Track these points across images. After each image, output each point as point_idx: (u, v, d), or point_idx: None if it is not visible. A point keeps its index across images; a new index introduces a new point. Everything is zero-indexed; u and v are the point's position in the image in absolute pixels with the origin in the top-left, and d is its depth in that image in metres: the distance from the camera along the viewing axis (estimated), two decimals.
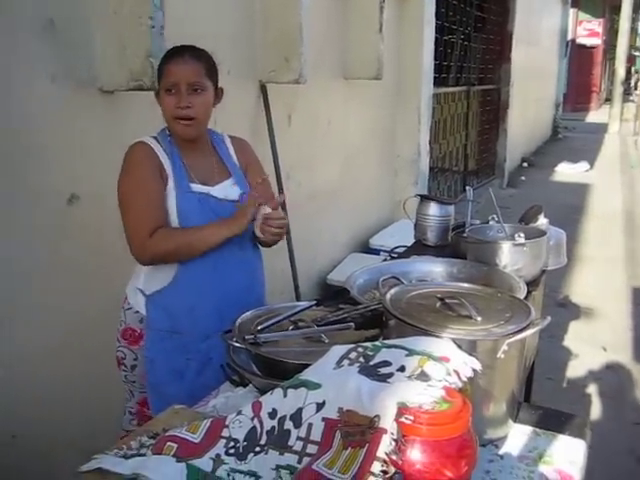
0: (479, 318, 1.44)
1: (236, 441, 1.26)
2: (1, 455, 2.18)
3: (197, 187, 2.00)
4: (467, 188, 2.70)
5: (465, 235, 2.36)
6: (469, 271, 2.14)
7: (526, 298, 2.08)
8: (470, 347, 1.36)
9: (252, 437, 1.26)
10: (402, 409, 1.09)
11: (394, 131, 5.69)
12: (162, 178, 1.97)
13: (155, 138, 2.03)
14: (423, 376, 1.19)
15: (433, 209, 2.71)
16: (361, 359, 1.29)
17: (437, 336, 1.36)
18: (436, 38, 6.02)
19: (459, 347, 1.33)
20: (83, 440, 1.99)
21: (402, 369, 1.22)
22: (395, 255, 2.57)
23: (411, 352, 1.27)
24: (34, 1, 2.19)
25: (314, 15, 3.76)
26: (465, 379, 1.23)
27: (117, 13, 2.25)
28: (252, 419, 1.27)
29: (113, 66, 2.34)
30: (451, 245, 2.54)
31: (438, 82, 6.51)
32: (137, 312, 2.07)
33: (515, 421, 1.54)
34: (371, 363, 1.27)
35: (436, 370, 1.21)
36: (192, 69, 1.94)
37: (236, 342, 1.59)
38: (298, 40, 3.38)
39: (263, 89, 3.61)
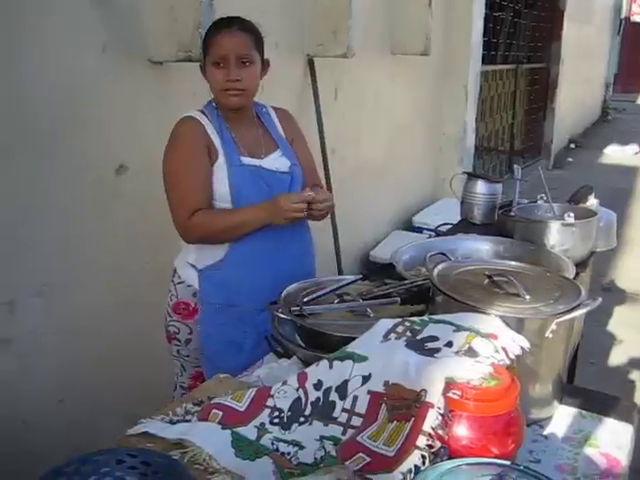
0: (527, 297, 1.42)
1: (280, 411, 1.27)
2: (49, 418, 2.24)
3: (247, 160, 1.99)
4: (515, 166, 2.65)
5: (512, 214, 2.32)
6: (515, 250, 2.11)
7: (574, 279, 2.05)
8: (518, 325, 1.34)
9: (297, 407, 1.27)
10: (450, 384, 1.09)
11: (440, 108, 5.61)
12: (210, 155, 1.96)
13: (203, 112, 2.02)
14: (471, 352, 1.18)
15: (480, 187, 2.67)
16: (408, 333, 1.28)
17: (485, 313, 1.34)
18: (485, 14, 5.89)
19: (507, 325, 1.31)
20: (125, 408, 2.02)
21: (449, 344, 1.22)
22: (440, 232, 2.54)
23: (459, 328, 1.26)
24: None
25: None
26: (513, 357, 1.22)
27: None
28: (297, 390, 1.28)
29: (163, 37, 2.35)
30: (497, 224, 2.51)
31: (486, 59, 6.38)
32: (189, 286, 2.06)
33: (560, 403, 1.51)
34: (418, 337, 1.26)
35: (484, 347, 1.20)
36: (240, 41, 1.92)
37: (282, 313, 1.60)
38: (347, 13, 3.34)
39: (310, 63, 3.58)
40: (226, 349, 2.02)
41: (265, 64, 2.05)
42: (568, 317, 1.37)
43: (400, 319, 1.33)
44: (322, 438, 1.21)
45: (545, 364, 1.44)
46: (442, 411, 1.07)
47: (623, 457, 1.35)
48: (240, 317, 2.02)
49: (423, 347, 1.22)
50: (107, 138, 2.36)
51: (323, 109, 3.67)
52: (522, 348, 1.25)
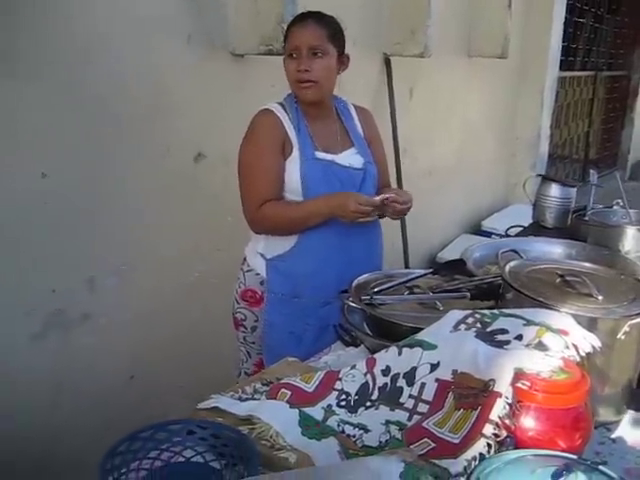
0: (600, 297, 1.40)
1: (348, 394, 1.30)
2: (120, 393, 2.33)
3: (321, 155, 2.02)
4: (591, 171, 2.62)
5: (586, 218, 2.29)
6: (589, 254, 2.06)
7: None
8: (590, 325, 1.32)
9: (364, 392, 1.29)
10: (519, 375, 1.09)
11: (515, 112, 5.54)
12: (284, 148, 2.00)
13: (282, 105, 2.06)
14: (541, 346, 1.18)
15: (555, 190, 2.64)
16: (478, 325, 1.29)
17: (556, 310, 1.34)
18: (565, 19, 5.78)
19: (578, 323, 1.30)
20: (191, 389, 2.08)
21: (519, 338, 1.22)
22: (510, 235, 2.52)
23: (529, 322, 1.26)
24: None
25: None
26: (583, 354, 1.21)
27: None
28: (365, 374, 1.31)
29: (245, 30, 2.42)
30: (570, 228, 2.48)
31: (564, 65, 6.26)
32: (258, 274, 2.10)
33: (630, 408, 1.49)
34: (488, 330, 1.27)
35: (555, 342, 1.20)
36: (313, 33, 1.95)
37: (352, 302, 1.62)
38: (425, 13, 3.35)
39: (387, 61, 3.60)
40: (287, 339, 2.06)
41: (344, 58, 2.06)
42: None
43: (471, 311, 1.34)
44: (388, 422, 1.23)
45: (616, 367, 1.41)
46: (510, 401, 1.07)
47: None
48: (303, 309, 2.06)
49: (493, 339, 1.22)
50: (187, 126, 2.44)
51: (397, 108, 3.68)
52: (593, 346, 1.24)
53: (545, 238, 2.28)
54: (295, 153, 2.00)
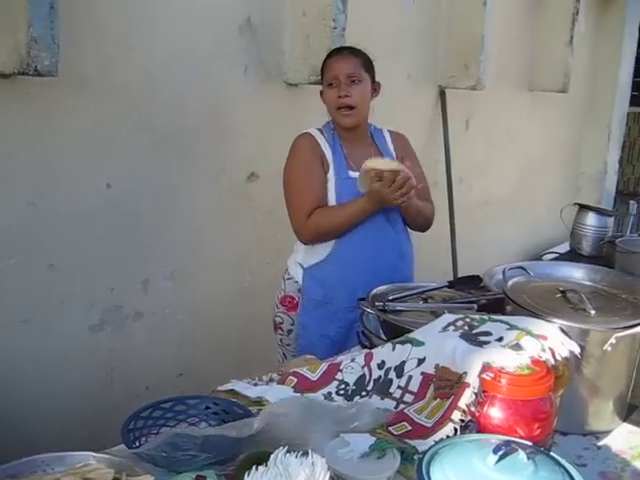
0: (593, 311, 1.49)
1: (347, 384, 1.45)
2: (168, 389, 2.52)
3: (354, 174, 2.19)
4: (631, 202, 2.67)
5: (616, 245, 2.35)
6: (612, 279, 2.09)
7: None
8: (578, 336, 1.40)
9: (361, 383, 1.44)
10: (486, 367, 1.21)
11: (580, 147, 5.54)
12: (323, 166, 2.20)
13: (320, 130, 2.26)
14: (517, 347, 1.29)
15: (591, 219, 2.70)
16: (466, 327, 1.41)
17: (547, 320, 1.43)
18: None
19: (566, 333, 1.39)
20: None
21: (500, 339, 1.33)
22: (543, 260, 2.60)
23: (512, 327, 1.37)
24: (236, 1, 2.54)
25: (502, 24, 3.84)
26: (560, 358, 1.30)
27: (306, 15, 2.53)
28: (363, 367, 1.46)
29: (298, 62, 2.63)
30: (605, 256, 2.53)
31: (637, 100, 6.21)
32: (296, 282, 2.31)
33: (624, 420, 1.55)
34: (474, 332, 1.39)
35: (532, 344, 1.30)
36: (350, 62, 2.16)
37: (367, 308, 1.77)
38: (479, 48, 3.49)
39: (442, 94, 3.75)
40: (319, 341, 2.23)
41: (376, 85, 2.25)
42: (628, 332, 1.42)
43: (463, 315, 1.47)
44: (377, 409, 1.37)
45: (605, 378, 1.48)
46: (476, 390, 1.20)
47: None
48: (335, 313, 2.23)
49: (475, 339, 1.34)
50: (242, 148, 2.67)
51: (453, 139, 3.80)
52: (571, 352, 1.34)
53: (572, 263, 2.35)
54: (331, 172, 2.19)
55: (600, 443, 1.47)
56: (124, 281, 2.39)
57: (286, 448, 1.07)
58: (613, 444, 1.47)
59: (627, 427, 1.53)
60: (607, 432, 1.51)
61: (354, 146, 2.25)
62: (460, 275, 3.99)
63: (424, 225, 2.34)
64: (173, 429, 1.27)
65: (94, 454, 1.12)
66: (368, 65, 2.21)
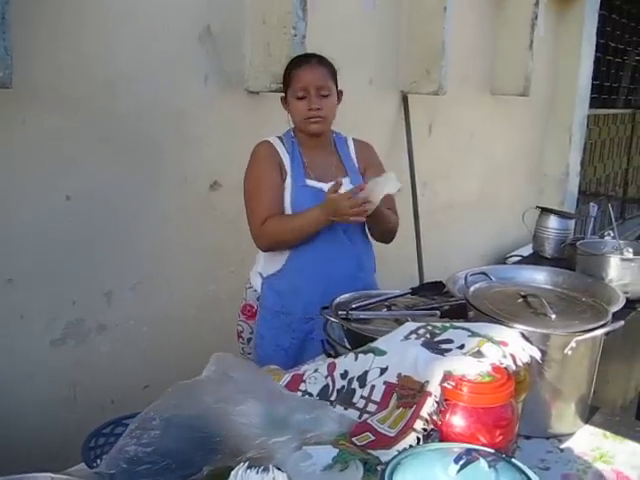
0: (553, 315, 1.51)
1: (310, 394, 1.44)
2: (134, 401, 2.48)
3: (312, 182, 2.20)
4: (591, 204, 2.71)
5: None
6: (573, 282, 2.14)
7: (629, 314, 2.10)
8: (539, 341, 1.42)
9: (324, 393, 1.43)
10: (447, 376, 1.22)
11: (542, 149, 5.62)
12: (281, 173, 2.19)
13: (280, 138, 2.25)
14: (478, 354, 1.30)
15: (552, 222, 2.74)
16: (427, 335, 1.42)
17: (508, 326, 1.45)
18: (599, 58, 5.87)
19: (527, 339, 1.41)
20: None
21: (461, 347, 1.34)
22: (507, 263, 2.63)
23: (474, 334, 1.38)
24: (195, 9, 2.52)
25: (462, 29, 3.88)
26: (520, 364, 1.32)
27: (266, 23, 2.53)
28: (326, 377, 1.45)
29: (259, 69, 2.63)
30: (567, 259, 2.56)
31: (600, 103, 6.33)
32: (255, 291, 2.31)
33: (586, 422, 1.57)
34: (435, 339, 1.39)
35: (493, 351, 1.31)
36: (319, 73, 2.15)
37: (330, 317, 1.77)
38: (440, 53, 3.52)
39: (404, 99, 3.77)
40: (275, 352, 2.23)
41: (339, 94, 2.24)
42: (588, 336, 1.45)
43: (425, 323, 1.47)
44: (340, 415, 1.36)
45: (568, 382, 1.50)
46: (438, 399, 1.20)
47: (635, 477, 1.37)
48: (289, 324, 2.24)
49: (437, 347, 1.35)
50: (204, 157, 2.65)
51: (416, 144, 3.83)
52: (532, 357, 1.35)
53: (533, 266, 2.37)
54: (288, 180, 2.19)
55: (563, 446, 1.49)
56: (86, 294, 2.36)
57: (247, 464, 1.06)
58: (576, 446, 1.49)
59: (589, 429, 1.56)
60: (570, 435, 1.53)
61: (314, 154, 2.24)
62: (425, 280, 4.04)
63: (388, 234, 2.32)
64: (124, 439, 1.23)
65: (52, 475, 1.09)
66: (334, 75, 2.21)
